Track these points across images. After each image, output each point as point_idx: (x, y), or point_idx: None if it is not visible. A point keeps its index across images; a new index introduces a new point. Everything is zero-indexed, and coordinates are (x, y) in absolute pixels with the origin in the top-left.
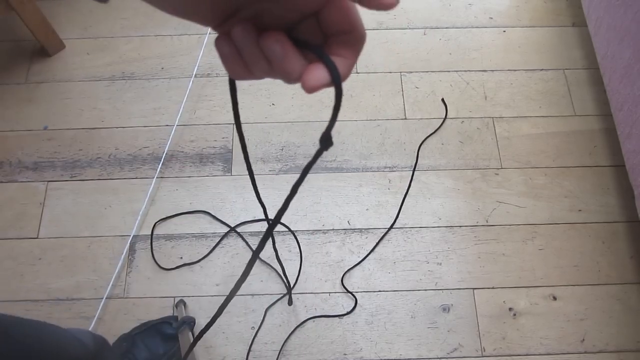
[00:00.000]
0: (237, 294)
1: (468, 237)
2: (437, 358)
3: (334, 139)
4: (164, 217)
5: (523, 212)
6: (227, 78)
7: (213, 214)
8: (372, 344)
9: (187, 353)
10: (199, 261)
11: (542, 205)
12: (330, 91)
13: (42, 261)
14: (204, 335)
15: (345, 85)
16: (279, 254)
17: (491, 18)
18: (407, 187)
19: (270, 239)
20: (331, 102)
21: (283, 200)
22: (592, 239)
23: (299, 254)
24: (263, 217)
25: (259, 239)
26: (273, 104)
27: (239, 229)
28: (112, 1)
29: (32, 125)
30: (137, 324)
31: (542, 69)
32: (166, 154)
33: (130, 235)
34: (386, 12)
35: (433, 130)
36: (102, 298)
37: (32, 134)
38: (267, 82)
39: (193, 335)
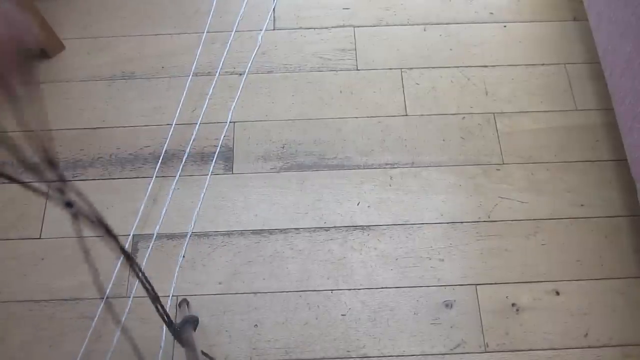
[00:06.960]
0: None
1: (470, 233)
2: (441, 354)
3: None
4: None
5: (525, 207)
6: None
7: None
8: (375, 341)
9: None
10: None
11: (544, 201)
12: (330, 89)
13: (44, 261)
14: (207, 334)
15: (345, 82)
16: (282, 253)
17: (492, 13)
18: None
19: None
20: (331, 100)
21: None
22: (595, 233)
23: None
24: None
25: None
26: (273, 102)
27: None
28: (112, 1)
29: (33, 125)
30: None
31: (543, 64)
32: (167, 152)
33: (132, 235)
34: (386, 9)
35: None
36: (104, 298)
37: (33, 135)
38: (267, 79)
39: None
